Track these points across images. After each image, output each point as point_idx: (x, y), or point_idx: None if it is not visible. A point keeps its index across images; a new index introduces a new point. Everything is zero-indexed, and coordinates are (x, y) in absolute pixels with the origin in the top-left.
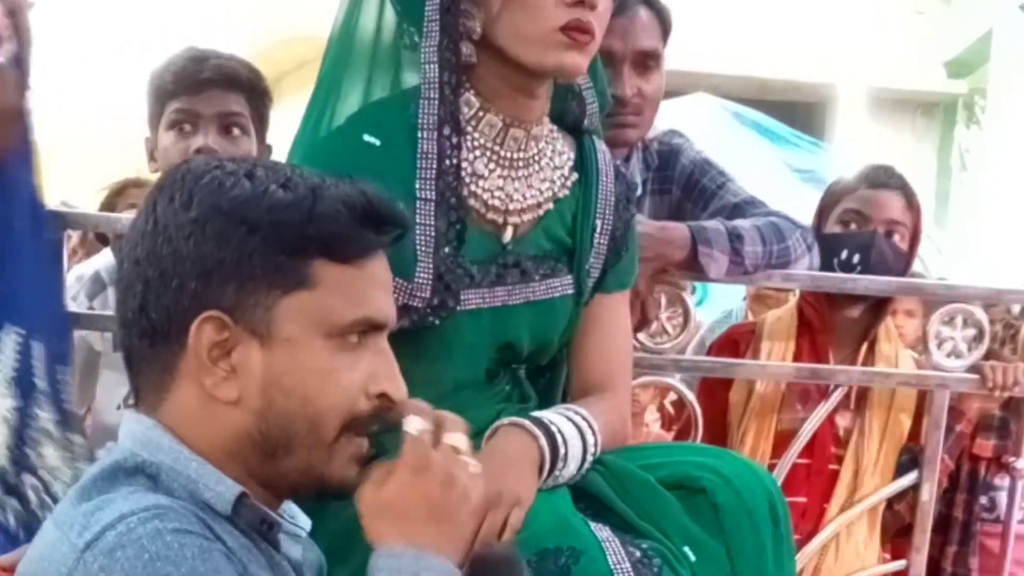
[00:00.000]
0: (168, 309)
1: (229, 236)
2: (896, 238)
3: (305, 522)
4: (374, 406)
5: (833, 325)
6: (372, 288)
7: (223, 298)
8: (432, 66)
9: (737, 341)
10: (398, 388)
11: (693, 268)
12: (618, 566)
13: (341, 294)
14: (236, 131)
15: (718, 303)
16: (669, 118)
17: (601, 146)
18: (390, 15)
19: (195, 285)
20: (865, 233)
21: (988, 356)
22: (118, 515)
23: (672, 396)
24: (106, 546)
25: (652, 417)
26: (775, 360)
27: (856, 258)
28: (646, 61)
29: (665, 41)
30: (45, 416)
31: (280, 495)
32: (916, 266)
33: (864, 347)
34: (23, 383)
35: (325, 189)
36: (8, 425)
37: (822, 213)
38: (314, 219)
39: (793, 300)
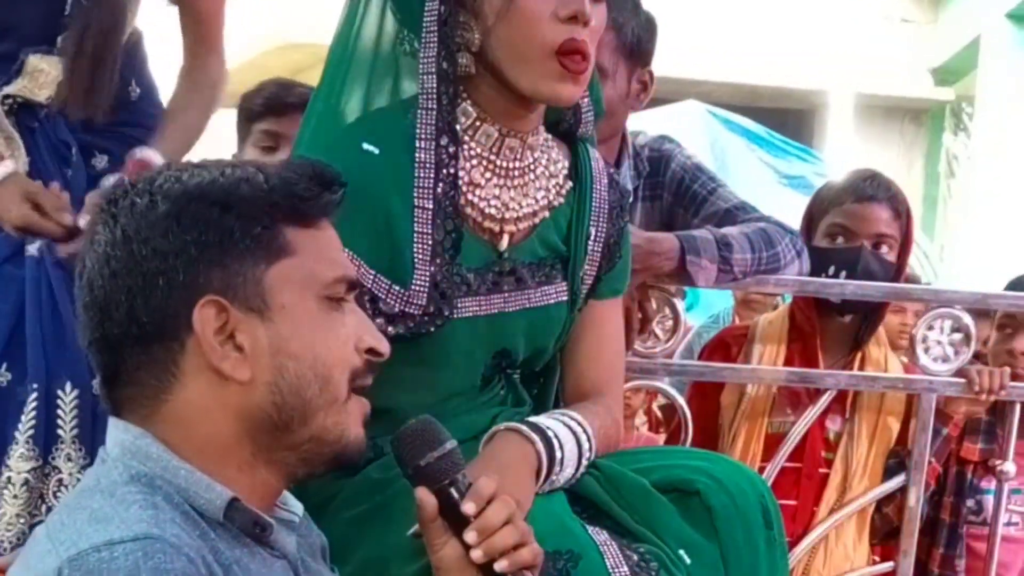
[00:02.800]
0: (161, 309)
1: (206, 218)
2: (884, 250)
3: (297, 506)
4: (365, 360)
5: (824, 330)
6: (337, 249)
7: (213, 283)
8: (430, 76)
9: (729, 344)
10: (382, 342)
11: (682, 277)
12: (616, 569)
13: (317, 256)
14: None
15: (709, 308)
16: (659, 125)
17: (595, 154)
18: (391, 23)
19: (183, 277)
20: (851, 248)
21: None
22: (107, 540)
23: (661, 399)
24: (85, 566)
25: (639, 420)
26: (766, 364)
27: (843, 275)
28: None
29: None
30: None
31: (290, 475)
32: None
33: (855, 352)
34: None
35: (266, 167)
36: (28, 488)
37: (810, 223)
38: (274, 188)
39: (784, 304)
